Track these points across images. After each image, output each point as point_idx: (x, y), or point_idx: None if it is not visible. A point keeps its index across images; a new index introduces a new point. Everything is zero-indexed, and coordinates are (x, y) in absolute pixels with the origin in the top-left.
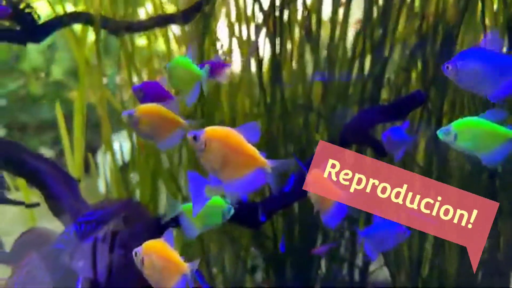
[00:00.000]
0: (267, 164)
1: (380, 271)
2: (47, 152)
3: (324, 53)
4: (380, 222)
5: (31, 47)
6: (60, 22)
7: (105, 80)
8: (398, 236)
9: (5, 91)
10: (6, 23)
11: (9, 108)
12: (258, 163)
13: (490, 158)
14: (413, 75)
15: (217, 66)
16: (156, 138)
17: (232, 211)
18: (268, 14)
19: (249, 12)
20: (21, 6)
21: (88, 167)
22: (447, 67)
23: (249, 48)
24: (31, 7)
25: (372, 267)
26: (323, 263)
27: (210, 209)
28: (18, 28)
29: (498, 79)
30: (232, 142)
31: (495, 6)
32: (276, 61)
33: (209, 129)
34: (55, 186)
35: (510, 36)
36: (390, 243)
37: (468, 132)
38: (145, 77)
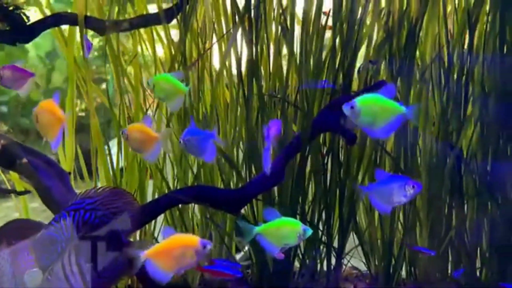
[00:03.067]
0: None
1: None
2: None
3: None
4: (385, 178)
5: (32, 54)
6: (48, 22)
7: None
8: (406, 190)
9: (7, 97)
10: None
11: (10, 114)
12: None
13: (384, 131)
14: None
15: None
16: None
17: (309, 233)
18: (244, 14)
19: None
20: (10, 7)
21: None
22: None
23: (228, 43)
24: (20, 8)
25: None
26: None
27: (286, 229)
28: (7, 29)
29: None
30: None
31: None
32: (253, 57)
33: None
34: (47, 178)
35: (470, 28)
36: (399, 198)
37: (369, 108)
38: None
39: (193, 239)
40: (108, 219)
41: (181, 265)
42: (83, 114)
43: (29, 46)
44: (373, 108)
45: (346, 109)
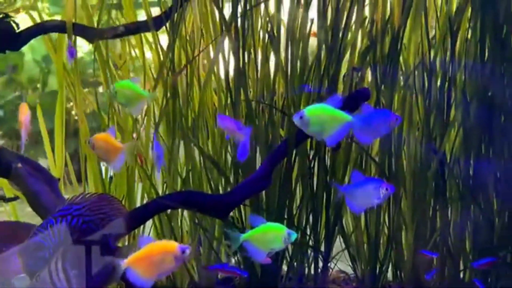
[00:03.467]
0: None
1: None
2: (44, 162)
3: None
4: (359, 180)
5: (29, 58)
6: (37, 30)
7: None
8: (380, 192)
9: (3, 101)
10: None
11: (6, 118)
12: None
13: (332, 139)
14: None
15: None
16: None
17: (294, 237)
18: (230, 23)
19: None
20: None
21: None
22: None
23: (216, 49)
24: (9, 16)
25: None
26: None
27: (271, 234)
28: None
29: None
30: None
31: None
32: (239, 65)
33: None
34: (35, 184)
35: (452, 35)
36: (373, 199)
37: (318, 117)
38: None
39: (172, 245)
40: (95, 225)
41: (161, 271)
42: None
43: (25, 49)
44: (322, 118)
45: (295, 119)
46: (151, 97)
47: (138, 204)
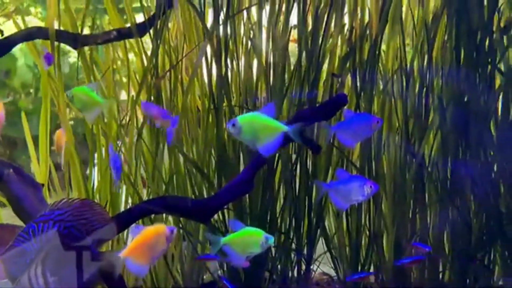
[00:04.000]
0: None
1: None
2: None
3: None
4: (345, 177)
5: (21, 63)
6: (22, 37)
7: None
8: (364, 189)
9: None
10: None
11: None
12: None
13: (267, 148)
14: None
15: None
16: None
17: (271, 241)
18: (212, 32)
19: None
20: None
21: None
22: None
23: (198, 54)
24: None
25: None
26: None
27: (250, 238)
28: None
29: None
30: None
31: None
32: (222, 73)
33: None
34: (19, 189)
35: (428, 42)
36: (357, 196)
37: (250, 125)
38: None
39: (161, 227)
40: (77, 230)
41: (155, 254)
42: (71, 122)
43: (18, 54)
44: (254, 126)
45: (228, 126)
46: (106, 105)
47: (121, 209)
